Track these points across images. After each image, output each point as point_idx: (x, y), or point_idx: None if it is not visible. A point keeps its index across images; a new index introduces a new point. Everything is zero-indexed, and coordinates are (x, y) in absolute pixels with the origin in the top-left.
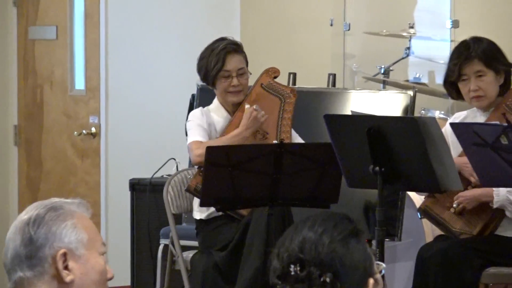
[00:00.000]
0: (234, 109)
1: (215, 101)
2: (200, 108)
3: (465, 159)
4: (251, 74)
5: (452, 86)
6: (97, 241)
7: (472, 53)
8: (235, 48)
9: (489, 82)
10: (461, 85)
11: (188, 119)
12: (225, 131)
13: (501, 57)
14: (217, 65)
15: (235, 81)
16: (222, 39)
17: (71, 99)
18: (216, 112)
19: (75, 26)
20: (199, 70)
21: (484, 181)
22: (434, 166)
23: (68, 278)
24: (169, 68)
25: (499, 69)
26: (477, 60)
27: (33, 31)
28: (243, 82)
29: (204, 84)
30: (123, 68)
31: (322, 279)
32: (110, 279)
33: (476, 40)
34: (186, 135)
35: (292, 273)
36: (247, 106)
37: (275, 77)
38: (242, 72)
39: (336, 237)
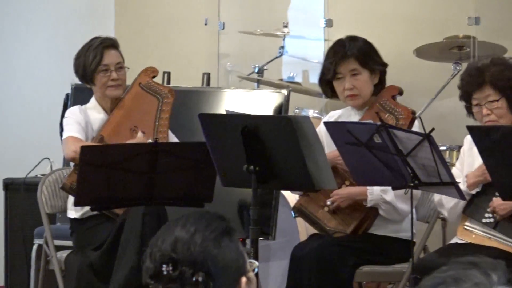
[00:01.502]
0: (112, 107)
1: (93, 100)
2: (78, 106)
3: (336, 153)
4: (128, 68)
5: (328, 84)
6: None
7: (347, 52)
8: (112, 43)
9: (364, 81)
10: (336, 84)
11: (65, 115)
12: (102, 129)
13: (376, 56)
14: (96, 59)
15: (114, 74)
16: (97, 37)
17: None
18: (94, 111)
19: None
20: (77, 69)
21: (358, 179)
22: (308, 165)
23: None
24: (43, 67)
25: (374, 68)
26: (353, 59)
27: None
28: (121, 76)
29: (79, 83)
30: None
31: (194, 279)
32: None
33: (352, 39)
34: (61, 132)
35: (165, 272)
36: (140, 134)
37: (154, 77)
38: (120, 66)
39: (208, 236)
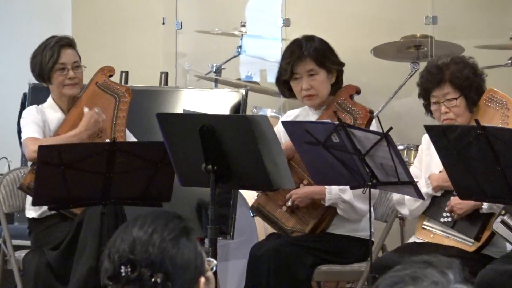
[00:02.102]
0: (68, 106)
1: (49, 99)
2: (35, 105)
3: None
4: (85, 67)
5: (285, 84)
6: None
7: (304, 52)
8: (68, 42)
9: (321, 81)
10: (293, 84)
11: (22, 116)
12: (59, 129)
13: (332, 56)
14: (52, 58)
15: (71, 73)
16: (53, 36)
17: None
18: (51, 110)
19: None
20: (33, 68)
21: (316, 179)
22: (266, 164)
23: None
24: (0, 66)
25: (330, 68)
26: (309, 59)
27: None
28: (78, 75)
29: (37, 82)
30: None
31: (153, 280)
32: None
33: (308, 39)
34: (19, 132)
35: (123, 274)
36: (86, 109)
37: (110, 76)
38: (77, 65)
39: (167, 236)
